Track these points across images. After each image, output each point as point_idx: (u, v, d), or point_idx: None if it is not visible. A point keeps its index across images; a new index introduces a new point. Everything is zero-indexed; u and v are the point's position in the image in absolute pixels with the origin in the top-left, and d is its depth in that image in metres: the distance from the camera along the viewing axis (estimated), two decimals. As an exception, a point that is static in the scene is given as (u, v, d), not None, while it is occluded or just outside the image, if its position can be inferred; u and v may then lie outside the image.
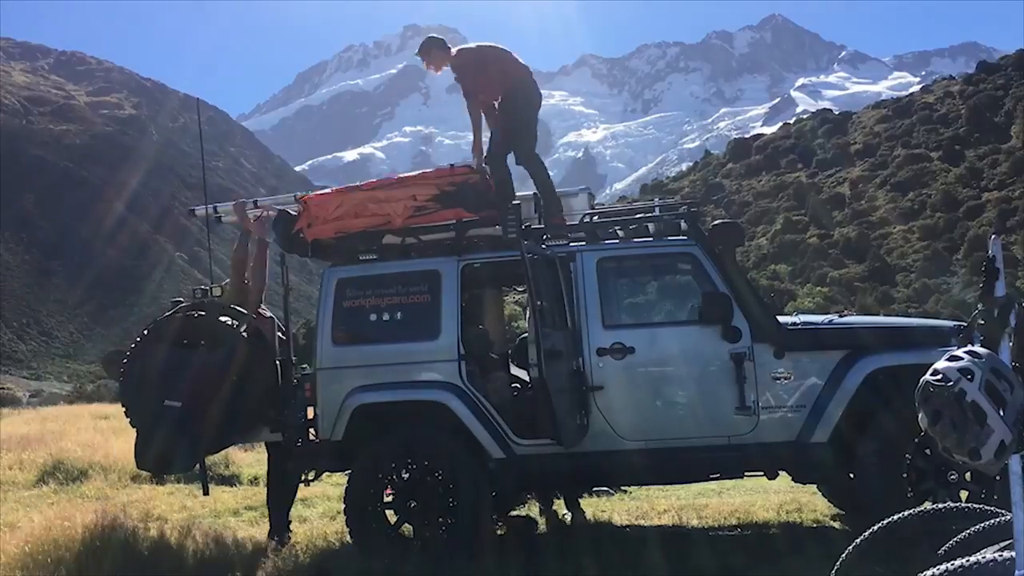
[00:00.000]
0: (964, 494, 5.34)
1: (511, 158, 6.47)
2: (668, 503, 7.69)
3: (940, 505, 3.07)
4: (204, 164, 6.24)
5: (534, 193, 7.07)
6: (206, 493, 6.82)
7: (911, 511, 2.94)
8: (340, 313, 6.02)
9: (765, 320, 5.70)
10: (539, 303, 5.22)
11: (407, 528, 5.80)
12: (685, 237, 5.94)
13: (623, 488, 8.37)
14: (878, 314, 38.28)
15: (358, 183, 6.54)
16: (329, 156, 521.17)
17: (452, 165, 6.36)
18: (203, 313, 6.23)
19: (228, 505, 8.37)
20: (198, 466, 6.42)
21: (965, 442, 2.16)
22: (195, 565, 5.76)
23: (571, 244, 6.02)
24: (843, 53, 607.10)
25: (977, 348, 2.30)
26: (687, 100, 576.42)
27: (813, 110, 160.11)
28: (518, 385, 6.56)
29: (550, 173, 6.72)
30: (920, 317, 13.18)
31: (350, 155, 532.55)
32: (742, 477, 6.53)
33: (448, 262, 6.01)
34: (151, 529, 6.48)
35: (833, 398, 5.53)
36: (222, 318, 6.15)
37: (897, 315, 37.41)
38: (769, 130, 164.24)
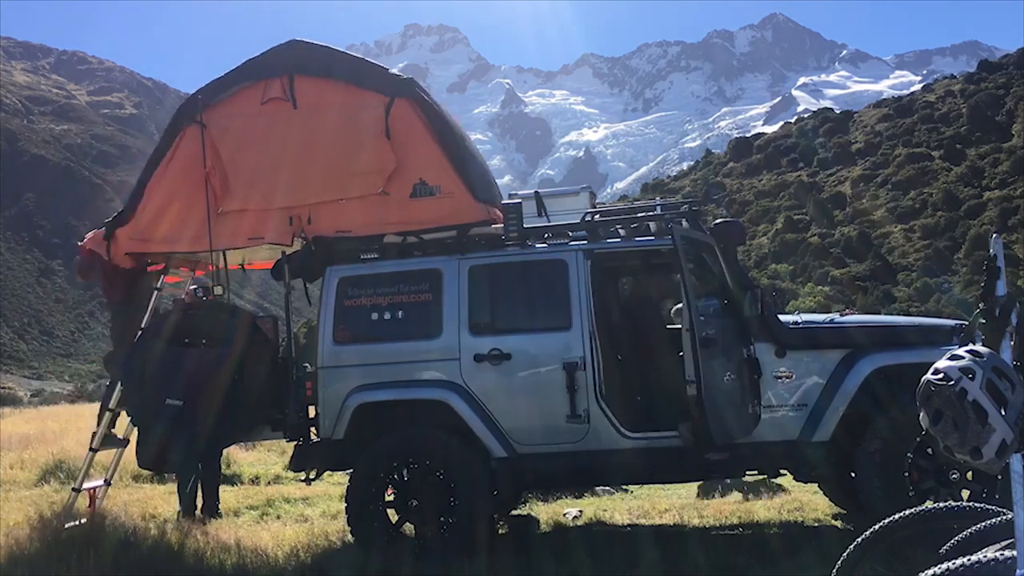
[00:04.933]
0: (965, 493, 5.34)
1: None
2: (669, 502, 7.70)
3: (941, 504, 3.07)
4: (205, 162, 6.24)
5: (535, 192, 7.09)
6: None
7: (912, 510, 2.94)
8: (341, 312, 6.02)
9: (766, 319, 5.69)
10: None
11: (408, 527, 5.80)
12: (686, 236, 5.92)
13: (624, 487, 8.38)
14: (879, 313, 38.30)
15: None
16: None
17: None
18: (203, 311, 6.25)
19: (229, 504, 8.36)
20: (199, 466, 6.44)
21: (966, 441, 2.16)
22: (195, 564, 5.76)
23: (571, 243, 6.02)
24: (844, 52, 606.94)
25: (978, 347, 2.30)
26: (688, 99, 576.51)
27: (814, 109, 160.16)
28: None
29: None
30: (921, 316, 13.17)
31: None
32: (743, 476, 6.53)
33: (449, 261, 6.01)
34: (151, 528, 6.48)
35: (834, 397, 5.53)
36: (222, 316, 6.16)
37: (899, 314, 37.41)
38: (770, 129, 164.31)
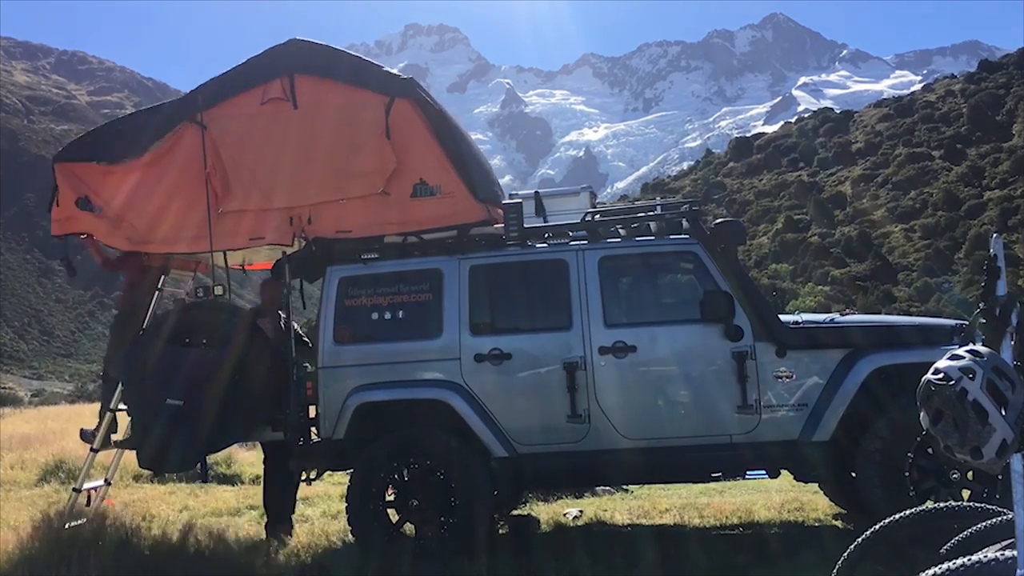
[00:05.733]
0: (966, 493, 5.33)
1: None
2: (670, 502, 7.69)
3: (941, 504, 3.07)
4: (206, 163, 6.24)
5: (535, 192, 7.09)
6: (205, 480, 6.85)
7: (912, 510, 2.94)
8: (342, 312, 6.02)
9: (767, 319, 5.69)
10: None
11: (409, 527, 5.80)
12: (687, 236, 5.94)
13: (625, 487, 8.38)
14: (879, 313, 38.27)
15: None
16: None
17: None
18: (204, 311, 6.25)
19: (229, 504, 8.37)
20: (199, 464, 6.45)
21: (967, 441, 2.16)
22: (196, 564, 5.76)
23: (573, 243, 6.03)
24: (844, 52, 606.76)
25: (979, 347, 2.29)
26: (688, 99, 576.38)
27: (814, 109, 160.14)
28: None
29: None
30: (922, 316, 13.16)
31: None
32: (744, 476, 6.53)
33: (450, 261, 6.01)
34: (152, 528, 6.49)
35: (835, 397, 5.52)
36: (222, 316, 6.16)
37: (899, 314, 37.39)
38: (770, 129, 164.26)
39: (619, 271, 6.09)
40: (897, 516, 2.90)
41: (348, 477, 6.06)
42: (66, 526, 6.20)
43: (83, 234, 6.75)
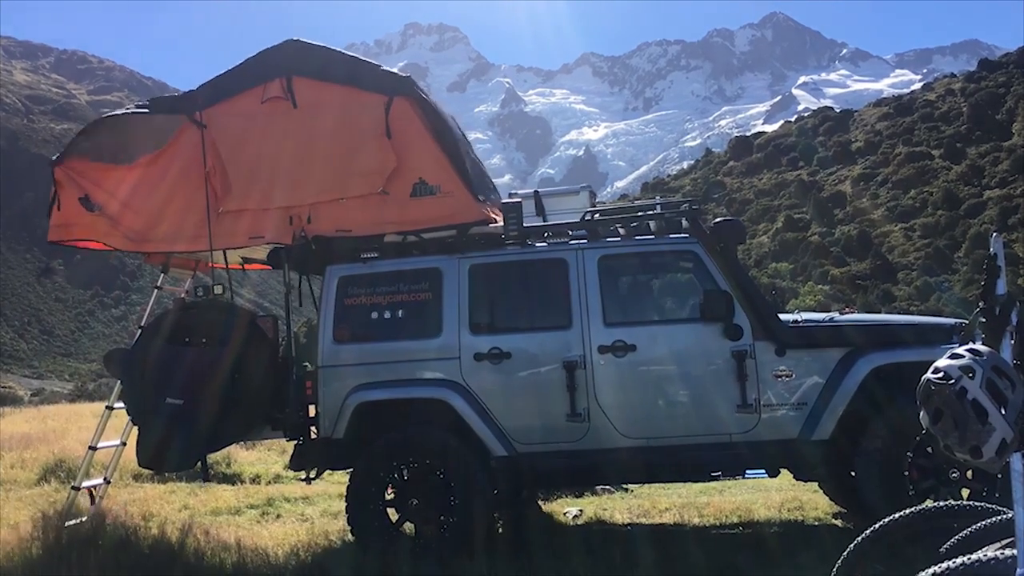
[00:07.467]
0: (965, 492, 5.33)
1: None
2: (670, 501, 7.70)
3: (941, 503, 3.07)
4: (205, 162, 6.23)
5: (535, 191, 7.09)
6: (206, 480, 6.85)
7: (912, 509, 2.93)
8: (342, 311, 6.02)
9: (766, 318, 5.69)
10: None
11: (409, 526, 5.80)
12: (687, 235, 5.94)
13: (624, 486, 8.38)
14: (879, 312, 38.24)
15: None
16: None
17: None
18: (204, 310, 6.25)
19: (229, 503, 8.37)
20: (199, 463, 6.45)
21: (966, 440, 2.16)
22: (196, 563, 5.76)
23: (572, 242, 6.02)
24: (844, 51, 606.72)
25: (978, 346, 2.29)
26: (688, 98, 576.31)
27: (814, 108, 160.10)
28: None
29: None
30: (921, 315, 13.18)
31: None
32: (743, 476, 6.52)
33: (449, 260, 6.01)
34: (152, 527, 6.49)
35: (834, 396, 5.52)
36: (221, 315, 6.16)
37: (899, 313, 37.42)
38: (770, 128, 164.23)
39: (619, 270, 6.09)
40: (896, 515, 2.89)
41: (348, 476, 6.06)
42: (65, 525, 6.20)
43: (79, 240, 6.73)
